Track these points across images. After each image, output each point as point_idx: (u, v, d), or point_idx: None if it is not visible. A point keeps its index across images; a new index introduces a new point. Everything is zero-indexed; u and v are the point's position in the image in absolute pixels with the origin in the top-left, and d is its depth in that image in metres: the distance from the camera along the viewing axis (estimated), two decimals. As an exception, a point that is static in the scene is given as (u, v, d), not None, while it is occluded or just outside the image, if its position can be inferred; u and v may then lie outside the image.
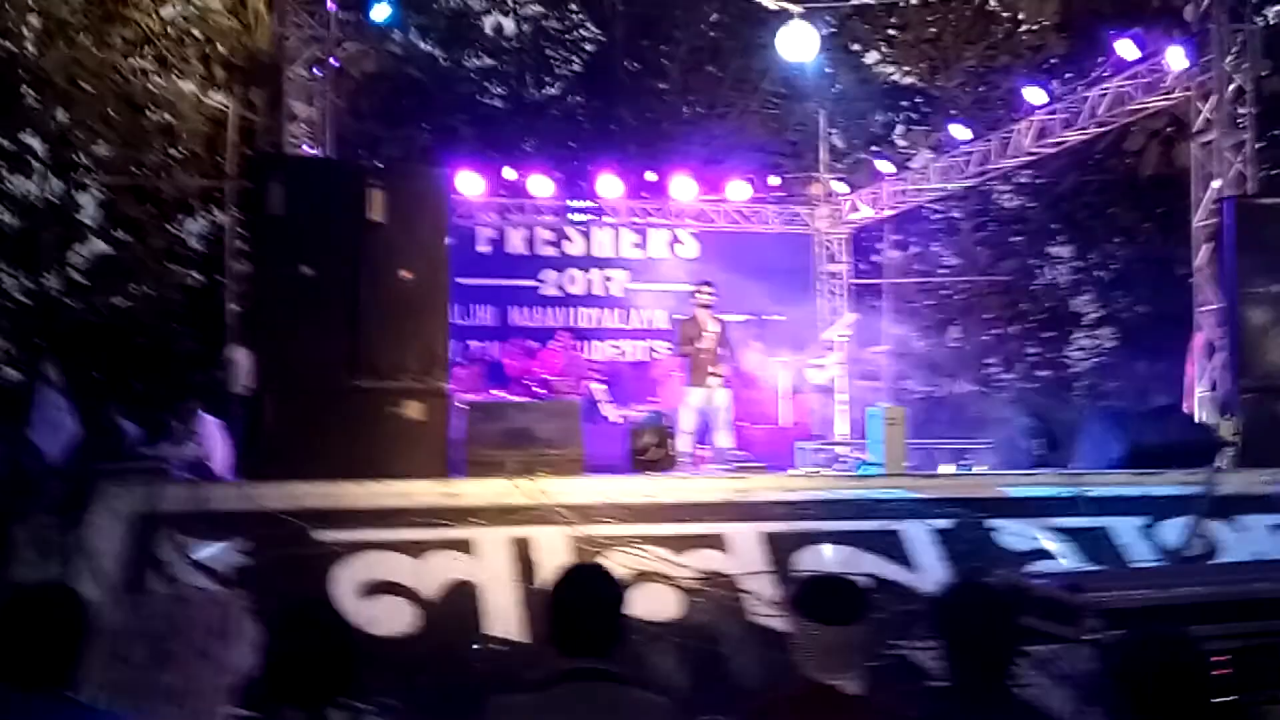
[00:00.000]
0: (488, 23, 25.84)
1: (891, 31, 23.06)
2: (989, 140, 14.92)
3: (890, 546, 8.43)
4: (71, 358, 14.48)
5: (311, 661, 2.85)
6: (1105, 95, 13.29)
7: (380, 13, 13.58)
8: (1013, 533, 8.51)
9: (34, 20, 18.95)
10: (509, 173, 15.85)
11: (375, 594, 7.53)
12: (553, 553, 7.98)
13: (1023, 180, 22.35)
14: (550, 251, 16.88)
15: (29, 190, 20.29)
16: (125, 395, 16.17)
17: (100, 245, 20.88)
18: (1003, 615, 3.41)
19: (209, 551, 7.62)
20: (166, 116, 20.02)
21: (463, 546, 7.97)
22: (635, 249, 17.07)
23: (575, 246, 16.93)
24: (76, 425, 8.55)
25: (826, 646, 3.30)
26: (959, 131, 15.32)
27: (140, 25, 19.47)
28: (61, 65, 18.67)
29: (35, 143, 19.91)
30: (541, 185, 16.07)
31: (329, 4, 13.13)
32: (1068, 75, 17.71)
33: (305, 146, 13.30)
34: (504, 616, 7.62)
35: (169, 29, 19.81)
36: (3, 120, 18.93)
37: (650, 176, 16.28)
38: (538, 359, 14.86)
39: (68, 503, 8.13)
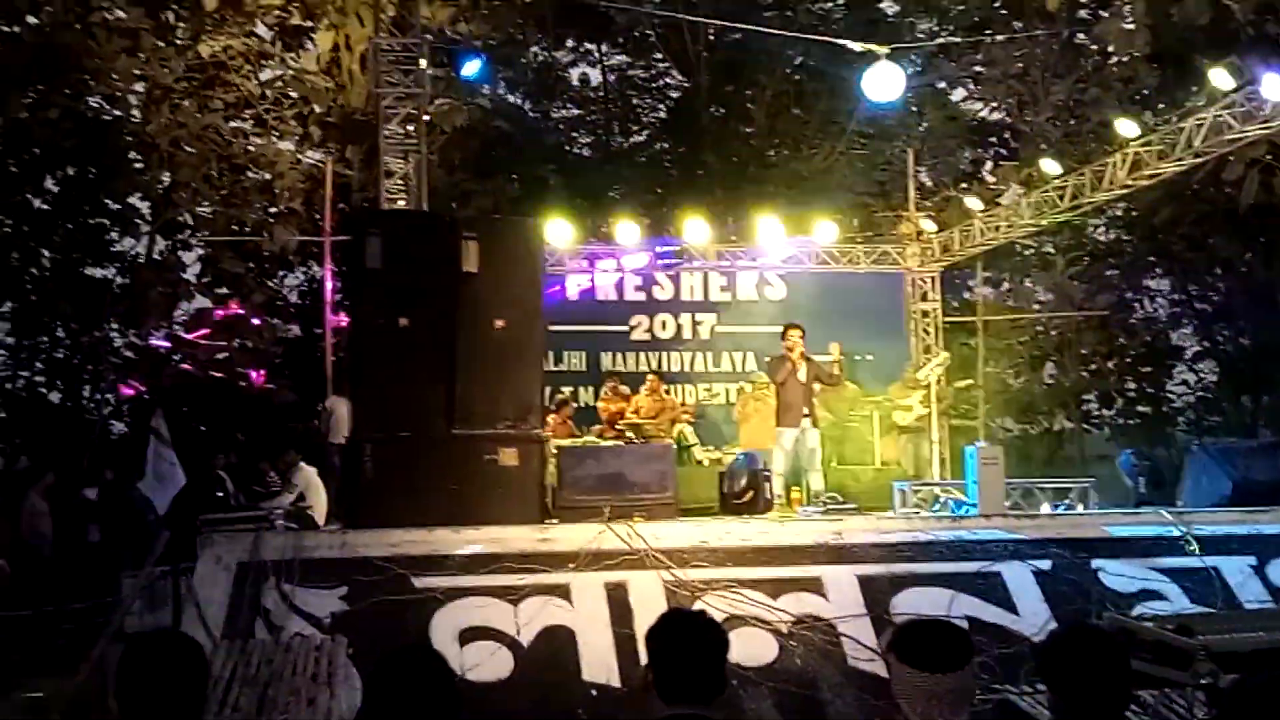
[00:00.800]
0: (574, 74, 26.28)
1: (978, 68, 22.96)
2: (1081, 174, 14.71)
3: (989, 588, 8.31)
4: (176, 411, 14.87)
5: (418, 708, 2.90)
6: (1201, 125, 13.04)
7: (471, 68, 13.89)
8: (1118, 573, 8.33)
9: (139, 87, 19.66)
10: (598, 219, 16.04)
11: (473, 639, 7.60)
12: (648, 597, 7.99)
13: (1117, 213, 21.98)
14: (640, 296, 16.96)
15: (136, 250, 21.00)
16: (227, 447, 16.57)
17: (202, 301, 21.49)
18: (1114, 659, 3.32)
19: (311, 599, 7.77)
20: (265, 175, 20.59)
21: (559, 592, 8.02)
22: (723, 292, 17.09)
23: (664, 291, 16.99)
24: (183, 477, 8.80)
25: (929, 692, 3.25)
26: (1050, 166, 15.14)
27: (239, 88, 20.11)
28: (165, 129, 19.31)
29: (141, 204, 20.61)
30: (630, 231, 16.20)
31: (422, 62, 13.45)
32: (1160, 106, 17.46)
33: (400, 201, 13.60)
34: (601, 661, 7.64)
35: (266, 91, 20.44)
36: (112, 183, 19.61)
37: (737, 219, 16.35)
38: (631, 403, 14.93)
39: (175, 552, 8.37)
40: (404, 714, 2.90)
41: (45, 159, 19.55)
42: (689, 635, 3.28)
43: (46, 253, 20.28)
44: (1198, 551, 8.43)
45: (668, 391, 15.49)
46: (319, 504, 11.51)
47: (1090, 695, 3.18)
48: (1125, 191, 14.85)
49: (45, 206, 20.18)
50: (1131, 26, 19.95)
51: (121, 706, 2.90)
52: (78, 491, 13.13)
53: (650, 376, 15.41)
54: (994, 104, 23.74)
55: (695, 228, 16.11)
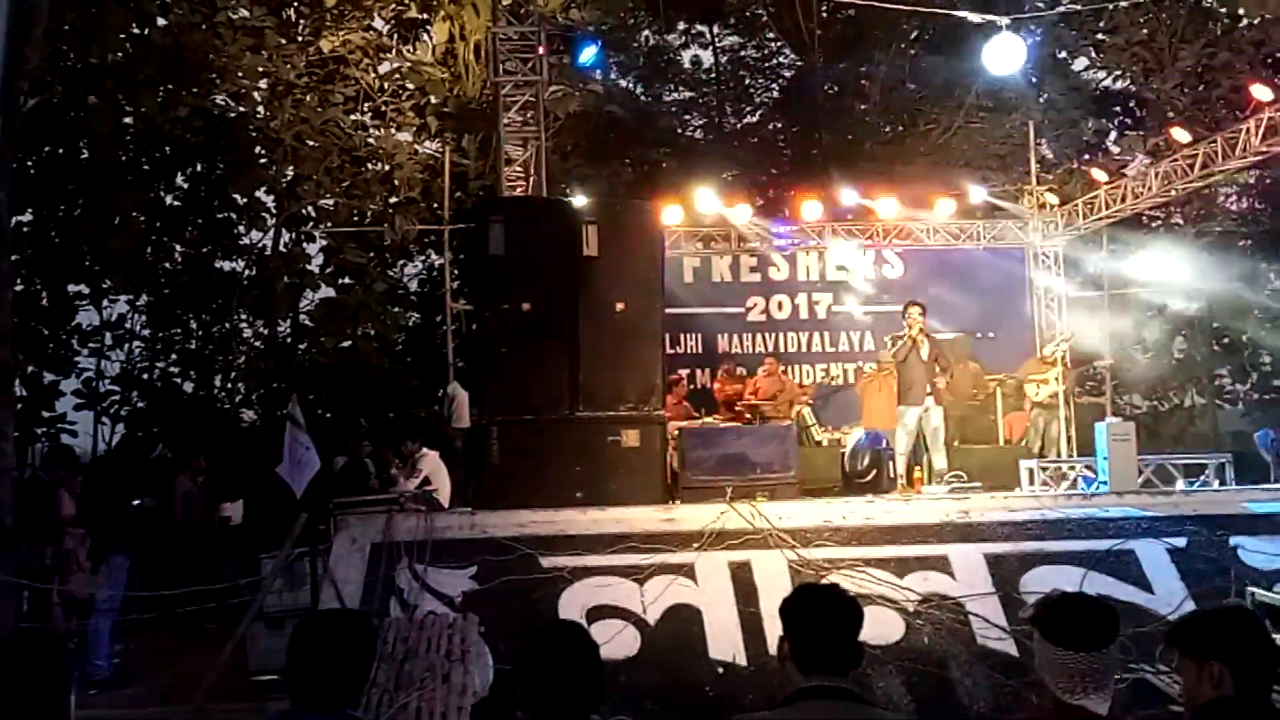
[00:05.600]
0: (686, 56, 26.25)
1: (1100, 36, 22.31)
2: (1212, 141, 14.24)
3: (1123, 566, 8.17)
4: (303, 398, 15.27)
5: (565, 680, 2.97)
6: (1340, 87, 12.55)
7: (588, 55, 13.99)
8: (1258, 550, 8.10)
9: (263, 84, 20.21)
10: (712, 201, 15.99)
11: (600, 618, 7.72)
12: (773, 576, 8.03)
13: (1250, 181, 21.21)
14: (755, 278, 16.92)
15: (263, 242, 21.62)
16: (354, 433, 16.97)
17: (326, 291, 22.03)
18: (1258, 637, 3.25)
19: (443, 578, 7.96)
20: (384, 166, 21.02)
21: (684, 571, 8.10)
22: (840, 271, 16.96)
23: (780, 271, 16.93)
24: (318, 461, 9.06)
25: (1074, 670, 3.21)
26: (1179, 134, 14.68)
27: (359, 82, 20.54)
28: (288, 124, 19.83)
29: (267, 198, 21.20)
30: (744, 212, 16.15)
31: (539, 50, 13.59)
32: (1297, 69, 16.81)
33: (518, 188, 13.77)
34: (726, 639, 7.71)
35: (385, 84, 20.83)
36: (238, 178, 20.18)
37: (853, 197, 16.17)
38: (749, 384, 14.92)
39: (312, 534, 8.64)
40: (551, 685, 2.97)
41: (175, 156, 20.20)
42: (825, 607, 3.30)
43: (178, 247, 20.96)
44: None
45: (785, 372, 15.43)
46: (443, 487, 11.74)
47: (1241, 671, 3.12)
48: (1259, 159, 14.32)
49: (176, 202, 20.86)
50: (1264, -13, 19.26)
51: (290, 680, 3.03)
52: (219, 476, 13.59)
53: (768, 358, 15.37)
54: (1118, 72, 23.06)
55: (810, 207, 16.01)
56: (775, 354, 15.78)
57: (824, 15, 23.60)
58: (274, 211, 21.27)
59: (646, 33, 25.60)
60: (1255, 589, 6.61)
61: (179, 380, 21.55)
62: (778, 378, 14.87)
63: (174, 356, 21.62)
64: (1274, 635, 3.78)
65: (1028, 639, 3.37)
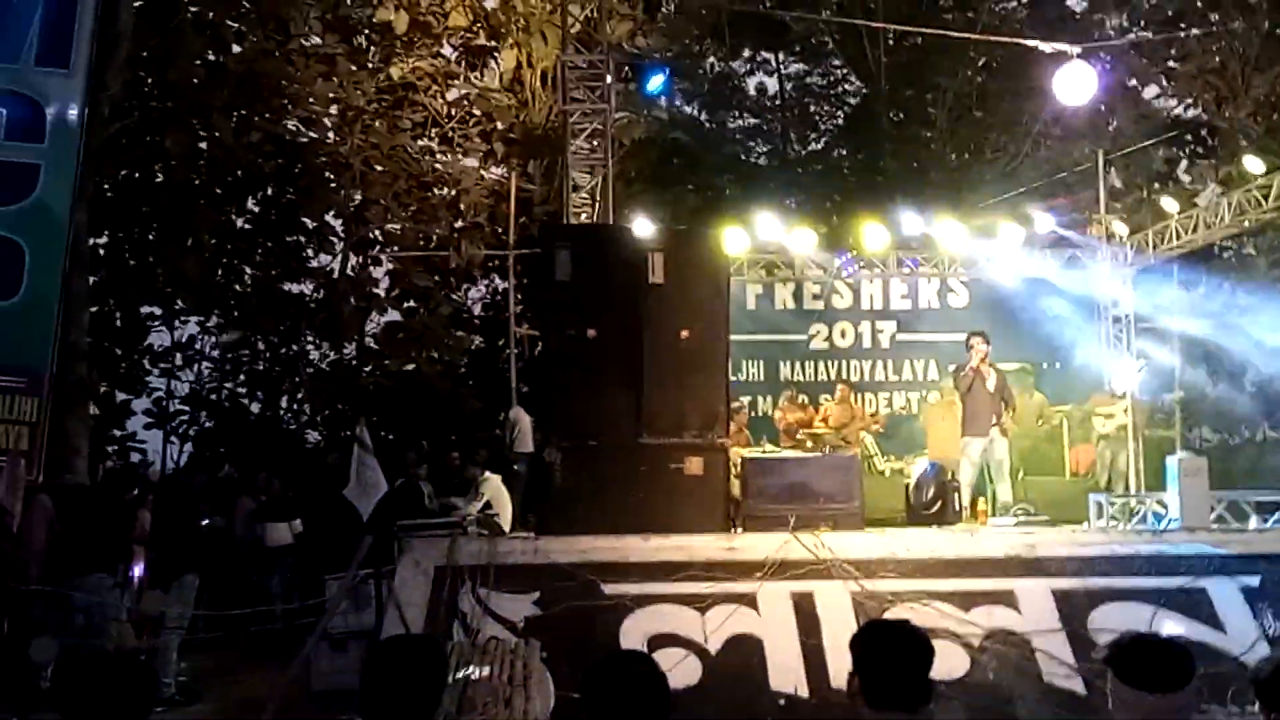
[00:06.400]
0: (751, 83, 26.32)
1: (1171, 64, 22.06)
2: (1287, 172, 14.01)
3: (1194, 605, 8.00)
4: (369, 420, 15.44)
5: (635, 711, 2.98)
6: None
7: (655, 83, 14.08)
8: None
9: (333, 110, 20.54)
10: (776, 228, 15.97)
11: (662, 646, 7.70)
12: (836, 608, 7.97)
13: (1325, 212, 20.80)
14: (818, 305, 16.86)
15: (330, 265, 21.94)
16: (417, 455, 17.13)
17: (392, 314, 22.30)
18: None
19: (506, 603, 7.99)
20: (451, 191, 21.27)
21: (746, 600, 8.06)
22: (904, 299, 16.85)
23: (843, 299, 16.85)
24: (385, 484, 9.17)
25: (1147, 712, 3.17)
26: (1252, 163, 14.44)
27: (427, 108, 20.82)
28: (357, 149, 20.13)
29: (335, 222, 21.52)
30: (808, 239, 16.11)
31: (608, 78, 13.70)
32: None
33: (584, 214, 13.86)
34: (789, 671, 7.66)
35: (452, 110, 21.09)
36: (308, 203, 20.51)
37: (918, 225, 16.07)
38: (819, 411, 14.88)
39: (378, 557, 8.73)
40: (621, 716, 2.98)
41: (247, 180, 20.61)
42: (896, 643, 3.29)
43: (248, 269, 21.34)
44: None
45: (856, 400, 15.35)
46: (505, 512, 11.80)
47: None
48: (1335, 189, 14.07)
49: (247, 226, 21.26)
50: (1340, 14, 18.95)
51: (363, 700, 3.07)
52: (274, 497, 13.74)
53: (841, 385, 15.31)
54: (1189, 101, 22.76)
55: (875, 234, 15.93)
56: (849, 381, 15.69)
57: (890, 42, 23.56)
58: (342, 235, 21.61)
59: (712, 59, 25.71)
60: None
61: (246, 400, 21.90)
62: (849, 405, 14.80)
63: (242, 377, 21.97)
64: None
65: (1096, 677, 3.34)
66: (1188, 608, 7.94)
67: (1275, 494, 10.93)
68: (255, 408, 21.96)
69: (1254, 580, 8.16)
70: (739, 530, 9.18)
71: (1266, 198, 14.14)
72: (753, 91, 26.43)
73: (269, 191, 21.04)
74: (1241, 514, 10.25)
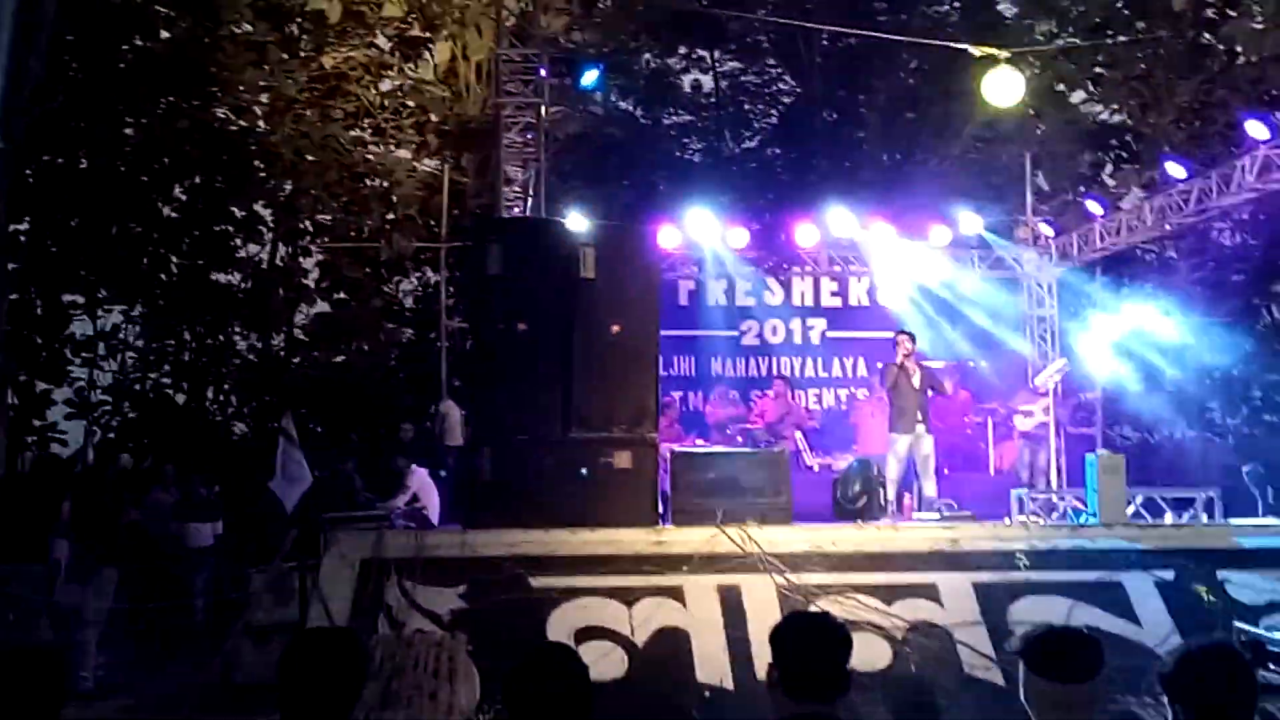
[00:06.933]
0: (686, 81, 26.38)
1: (1099, 70, 22.44)
2: (1207, 177, 14.31)
3: (1111, 599, 8.18)
4: (295, 412, 15.27)
5: (556, 704, 2.99)
6: (1334, 126, 12.62)
7: (589, 78, 14.06)
8: (1246, 585, 8.12)
9: (264, 98, 20.27)
10: (709, 225, 16.03)
11: (588, 639, 7.71)
12: (762, 601, 8.03)
13: (1243, 217, 21.32)
14: (750, 301, 16.96)
15: (259, 256, 21.66)
16: (345, 447, 16.98)
17: (322, 305, 22.07)
18: (1243, 677, 3.26)
19: (432, 596, 7.96)
20: (383, 183, 21.08)
21: (673, 594, 8.10)
22: (834, 297, 17.01)
23: (775, 296, 16.97)
24: (310, 476, 9.08)
25: (1059, 702, 3.23)
26: (1174, 169, 14.75)
27: (360, 98, 20.61)
28: (288, 139, 19.88)
29: (265, 211, 21.24)
30: (740, 237, 16.20)
31: (541, 72, 13.66)
32: (1293, 107, 16.90)
33: (516, 208, 13.82)
34: (714, 663, 7.70)
35: (385, 101, 20.90)
36: (237, 192, 20.23)
37: (849, 224, 16.21)
38: (757, 407, 14.98)
39: (303, 549, 8.64)
40: (540, 708, 2.98)
41: (174, 168, 20.27)
42: (815, 634, 3.32)
43: (175, 259, 21.00)
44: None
45: (793, 397, 15.47)
46: (432, 505, 11.75)
47: (1217, 711, 3.13)
48: (1253, 195, 14.40)
49: (174, 214, 20.91)
50: (1261, 26, 19.36)
51: (282, 695, 3.04)
52: (201, 490, 13.54)
53: (777, 380, 15.42)
54: (1115, 106, 23.17)
55: (806, 233, 16.06)
56: (782, 377, 15.80)
57: (824, 43, 23.75)
58: (271, 225, 21.32)
59: (648, 56, 25.72)
60: (1241, 624, 6.62)
61: (171, 391, 21.55)
62: (785, 400, 14.90)
63: (167, 368, 21.61)
64: (1259, 671, 3.80)
65: (1014, 669, 3.39)
66: (1104, 601, 8.10)
67: (1191, 490, 11.20)
68: (180, 399, 21.60)
69: (1168, 574, 8.35)
70: (668, 524, 9.21)
71: (1187, 202, 14.46)
72: (688, 89, 26.51)
73: (197, 180, 20.71)
74: (1158, 510, 10.49)
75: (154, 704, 9.03)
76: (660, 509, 9.36)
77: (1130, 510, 9.95)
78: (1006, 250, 16.70)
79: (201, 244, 20.89)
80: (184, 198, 20.93)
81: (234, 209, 20.90)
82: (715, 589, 8.14)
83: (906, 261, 16.35)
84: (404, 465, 11.91)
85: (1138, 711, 6.63)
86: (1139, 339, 19.12)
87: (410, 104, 20.94)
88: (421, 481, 11.87)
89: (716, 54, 26.37)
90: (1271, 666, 4.90)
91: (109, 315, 20.93)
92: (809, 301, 16.98)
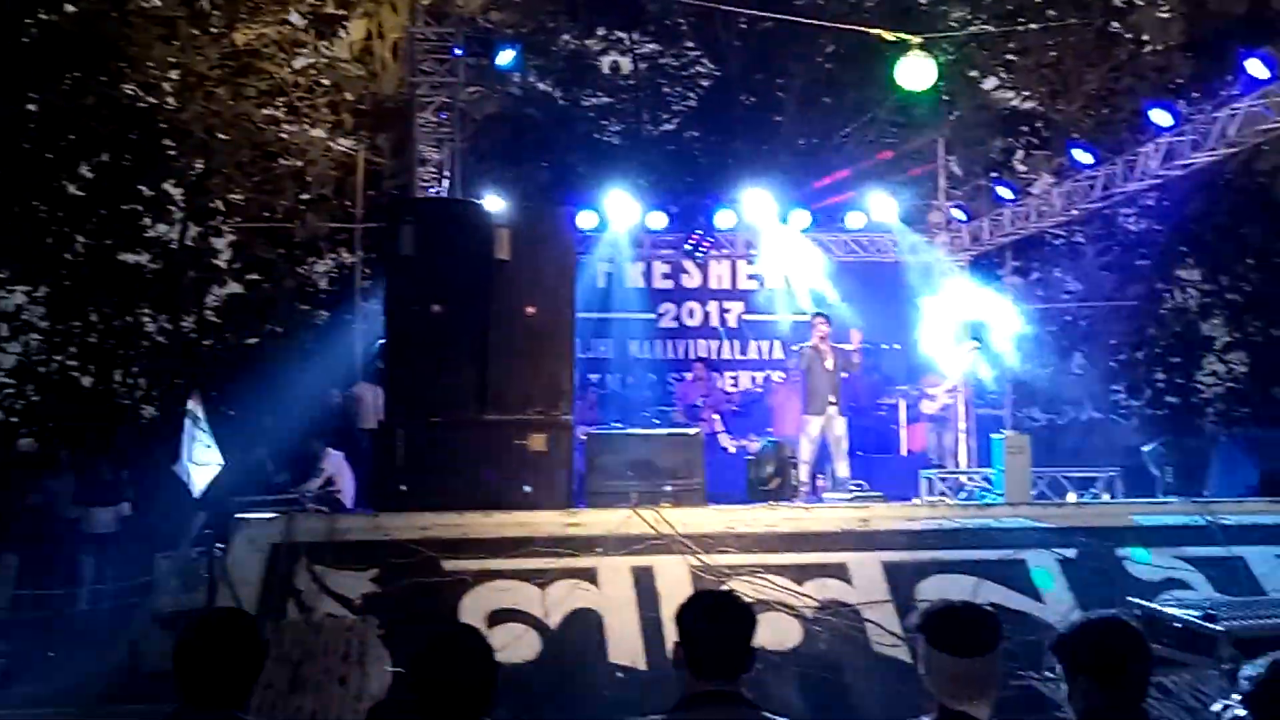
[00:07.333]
0: (605, 62, 26.26)
1: (1010, 57, 22.80)
2: (1113, 164, 14.63)
3: (1014, 576, 8.36)
4: (206, 395, 15.03)
5: (460, 686, 2.98)
6: (1235, 115, 12.95)
7: (505, 58, 13.94)
8: (1143, 561, 8.36)
9: (174, 75, 19.83)
10: (628, 207, 16.04)
11: (501, 621, 7.72)
12: (675, 582, 8.08)
13: (1148, 203, 21.84)
14: (668, 284, 17.01)
15: (169, 236, 21.22)
16: (256, 430, 16.73)
17: (234, 286, 21.71)
18: (1136, 645, 3.34)
19: (343, 580, 7.89)
20: (297, 162, 20.73)
21: (586, 575, 8.13)
22: (750, 280, 17.12)
23: (693, 279, 17.04)
24: (219, 459, 8.93)
25: (957, 676, 3.27)
26: (1082, 155, 15.06)
27: (273, 76, 20.24)
28: (199, 117, 19.48)
29: (175, 191, 20.81)
30: (658, 219, 16.23)
31: (456, 51, 13.53)
32: (1195, 96, 17.29)
33: (432, 188, 13.69)
34: (626, 644, 7.75)
35: (299, 79, 20.55)
36: (146, 170, 19.80)
37: (766, 207, 16.32)
38: (676, 390, 15.05)
39: (211, 534, 8.51)
40: (445, 691, 2.97)
41: (81, 145, 19.78)
42: (718, 613, 3.35)
43: (81, 238, 20.51)
44: (1224, 541, 8.43)
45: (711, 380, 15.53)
46: (346, 488, 11.64)
47: (1110, 684, 3.21)
48: (1158, 181, 14.77)
49: (80, 193, 20.41)
50: (1167, 15, 19.82)
51: (177, 681, 3.00)
52: (104, 474, 13.26)
53: (696, 363, 15.49)
54: (1026, 93, 23.57)
55: (724, 216, 16.14)
56: (703, 360, 15.86)
57: (742, 26, 23.79)
58: (182, 205, 20.90)
59: (566, 36, 25.57)
60: (1136, 599, 6.81)
61: (77, 374, 21.08)
62: (704, 383, 14.97)
63: (73, 350, 21.12)
64: (1153, 645, 3.91)
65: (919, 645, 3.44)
66: (1008, 578, 8.28)
67: (1094, 471, 11.49)
68: (88, 381, 21.12)
69: (1070, 552, 8.56)
70: (583, 506, 9.22)
71: (1094, 188, 14.78)
72: (607, 70, 26.37)
73: (104, 158, 20.23)
74: (1061, 489, 10.74)
75: (59, 693, 8.84)
76: (575, 491, 9.39)
77: (1034, 490, 10.17)
78: (920, 234, 16.94)
79: (109, 223, 20.43)
80: (90, 176, 20.43)
81: (142, 188, 20.45)
82: (629, 570, 8.18)
83: (822, 244, 16.52)
84: (318, 448, 11.79)
85: (1039, 687, 6.78)
86: (1047, 322, 19.51)
87: (325, 82, 20.58)
88: (336, 465, 11.75)
89: (635, 35, 26.27)
90: (1165, 640, 5.06)
91: (12, 296, 20.42)
92: (726, 284, 17.07)
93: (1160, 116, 13.76)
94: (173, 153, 20.03)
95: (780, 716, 3.37)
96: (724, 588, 7.65)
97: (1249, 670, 3.12)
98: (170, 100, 20.00)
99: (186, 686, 3.02)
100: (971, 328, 15.39)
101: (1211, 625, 4.95)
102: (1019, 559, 8.42)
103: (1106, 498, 10.60)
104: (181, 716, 3.03)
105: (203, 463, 8.50)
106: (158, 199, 20.65)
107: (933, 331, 16.48)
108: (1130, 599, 6.83)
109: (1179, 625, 5.19)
